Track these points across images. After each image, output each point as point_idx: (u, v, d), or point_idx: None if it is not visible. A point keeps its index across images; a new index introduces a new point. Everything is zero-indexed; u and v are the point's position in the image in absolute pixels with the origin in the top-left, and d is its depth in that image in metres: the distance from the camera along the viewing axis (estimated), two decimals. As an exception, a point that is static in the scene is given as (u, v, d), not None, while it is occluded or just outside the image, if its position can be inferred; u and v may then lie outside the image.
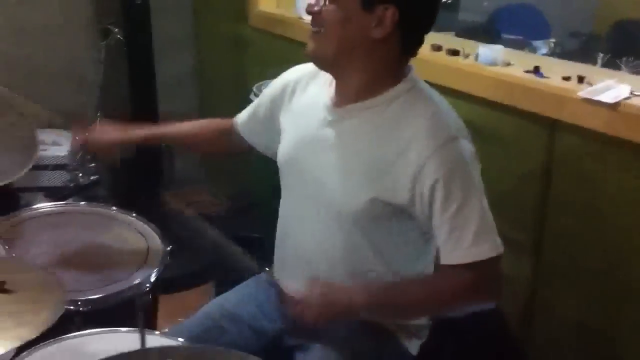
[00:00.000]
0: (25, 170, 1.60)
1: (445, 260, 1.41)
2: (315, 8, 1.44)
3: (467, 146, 1.42)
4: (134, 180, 3.25)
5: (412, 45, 1.46)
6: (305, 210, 1.56)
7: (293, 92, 1.64)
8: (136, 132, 1.86)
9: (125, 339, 1.46)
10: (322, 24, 1.43)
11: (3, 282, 1.07)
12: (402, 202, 1.41)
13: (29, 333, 1.00)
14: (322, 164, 1.50)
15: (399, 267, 1.53)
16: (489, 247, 1.38)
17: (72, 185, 2.66)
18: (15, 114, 1.90)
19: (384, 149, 1.42)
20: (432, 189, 1.37)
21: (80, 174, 2.67)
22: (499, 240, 1.39)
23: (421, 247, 1.53)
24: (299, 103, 1.62)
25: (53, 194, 2.58)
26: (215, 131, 1.88)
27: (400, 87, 1.45)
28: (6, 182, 1.55)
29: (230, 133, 1.82)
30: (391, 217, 1.45)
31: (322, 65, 1.51)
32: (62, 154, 2.98)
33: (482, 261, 1.37)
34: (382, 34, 1.39)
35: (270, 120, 1.71)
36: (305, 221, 1.57)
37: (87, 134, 1.83)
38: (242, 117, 1.81)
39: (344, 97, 1.49)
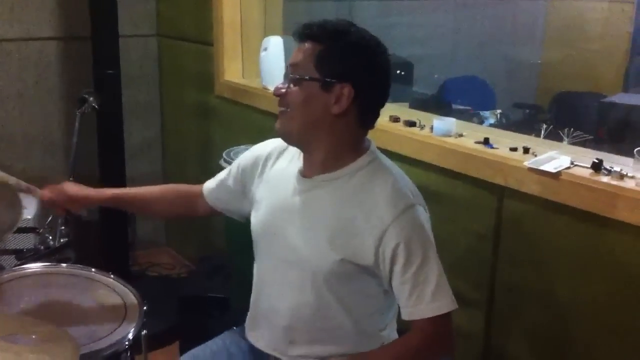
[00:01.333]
0: (15, 227, 1.67)
1: (408, 316, 1.52)
2: (282, 90, 1.58)
3: (422, 212, 1.56)
4: (99, 242, 3.30)
5: (368, 118, 1.59)
6: (280, 273, 1.65)
7: (265, 164, 1.75)
8: (102, 192, 1.93)
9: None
10: (287, 104, 1.57)
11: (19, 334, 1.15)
12: (367, 263, 1.53)
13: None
14: (294, 229, 1.61)
15: (364, 322, 1.63)
16: (446, 303, 1.50)
17: (42, 247, 2.70)
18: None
19: (349, 216, 1.54)
20: (394, 252, 1.49)
21: (50, 237, 2.71)
22: (453, 298, 1.51)
23: (383, 304, 1.64)
24: (271, 174, 1.73)
25: (24, 256, 2.62)
26: (180, 195, 1.95)
27: (362, 160, 1.59)
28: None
29: (196, 197, 1.91)
30: (357, 276, 1.56)
31: (290, 140, 1.64)
32: (30, 216, 3.03)
33: (440, 315, 1.49)
34: (340, 110, 1.52)
35: (240, 190, 1.81)
36: (279, 283, 1.66)
37: (54, 190, 1.88)
38: (209, 184, 1.90)
39: (311, 169, 1.61)
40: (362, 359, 1.57)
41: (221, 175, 1.89)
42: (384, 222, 1.50)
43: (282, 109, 1.58)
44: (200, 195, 1.91)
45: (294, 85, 1.55)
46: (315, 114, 1.54)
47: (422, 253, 1.50)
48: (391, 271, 1.52)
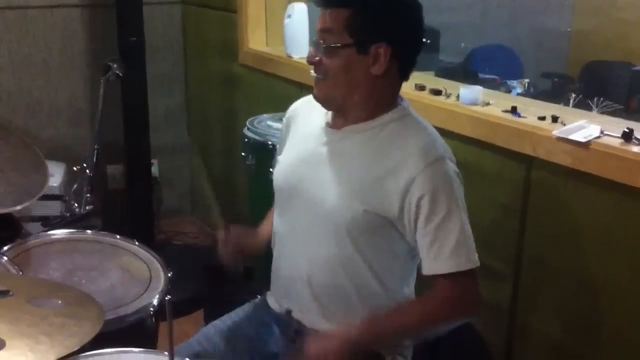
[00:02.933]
0: (46, 187, 1.69)
1: (426, 270, 1.51)
2: (315, 58, 1.55)
3: (452, 166, 1.53)
4: (125, 210, 3.33)
5: (408, 69, 1.59)
6: (302, 226, 1.63)
7: (294, 121, 1.75)
8: (261, 237, 1.86)
9: (138, 358, 1.49)
10: (324, 72, 1.54)
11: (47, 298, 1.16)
12: (392, 215, 1.51)
13: (76, 343, 1.09)
14: (319, 180, 1.59)
15: (389, 282, 1.61)
16: (465, 260, 1.47)
17: (68, 214, 2.72)
18: (17, 139, 2.00)
19: (376, 166, 1.52)
20: (418, 203, 1.47)
21: (76, 204, 2.73)
22: (476, 255, 1.49)
23: (409, 262, 1.62)
24: (300, 129, 1.72)
25: (50, 223, 2.63)
26: None
27: (394, 113, 1.57)
28: (36, 198, 1.62)
29: None
30: (382, 231, 1.54)
31: (331, 106, 1.61)
32: (56, 184, 3.06)
33: (459, 272, 1.47)
34: (380, 70, 1.51)
35: None
36: (301, 238, 1.64)
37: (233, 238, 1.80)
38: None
39: (342, 120, 1.60)
40: (388, 314, 1.53)
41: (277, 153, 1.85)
42: (412, 172, 1.48)
43: (319, 76, 1.56)
44: None
45: (329, 54, 1.53)
46: (356, 79, 1.53)
47: (447, 206, 1.48)
48: (415, 223, 1.50)
